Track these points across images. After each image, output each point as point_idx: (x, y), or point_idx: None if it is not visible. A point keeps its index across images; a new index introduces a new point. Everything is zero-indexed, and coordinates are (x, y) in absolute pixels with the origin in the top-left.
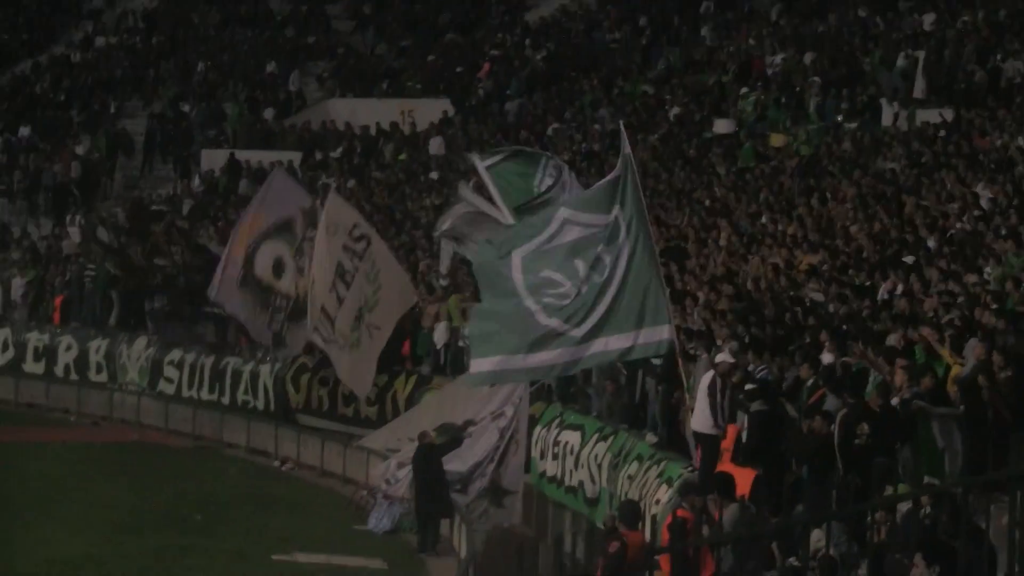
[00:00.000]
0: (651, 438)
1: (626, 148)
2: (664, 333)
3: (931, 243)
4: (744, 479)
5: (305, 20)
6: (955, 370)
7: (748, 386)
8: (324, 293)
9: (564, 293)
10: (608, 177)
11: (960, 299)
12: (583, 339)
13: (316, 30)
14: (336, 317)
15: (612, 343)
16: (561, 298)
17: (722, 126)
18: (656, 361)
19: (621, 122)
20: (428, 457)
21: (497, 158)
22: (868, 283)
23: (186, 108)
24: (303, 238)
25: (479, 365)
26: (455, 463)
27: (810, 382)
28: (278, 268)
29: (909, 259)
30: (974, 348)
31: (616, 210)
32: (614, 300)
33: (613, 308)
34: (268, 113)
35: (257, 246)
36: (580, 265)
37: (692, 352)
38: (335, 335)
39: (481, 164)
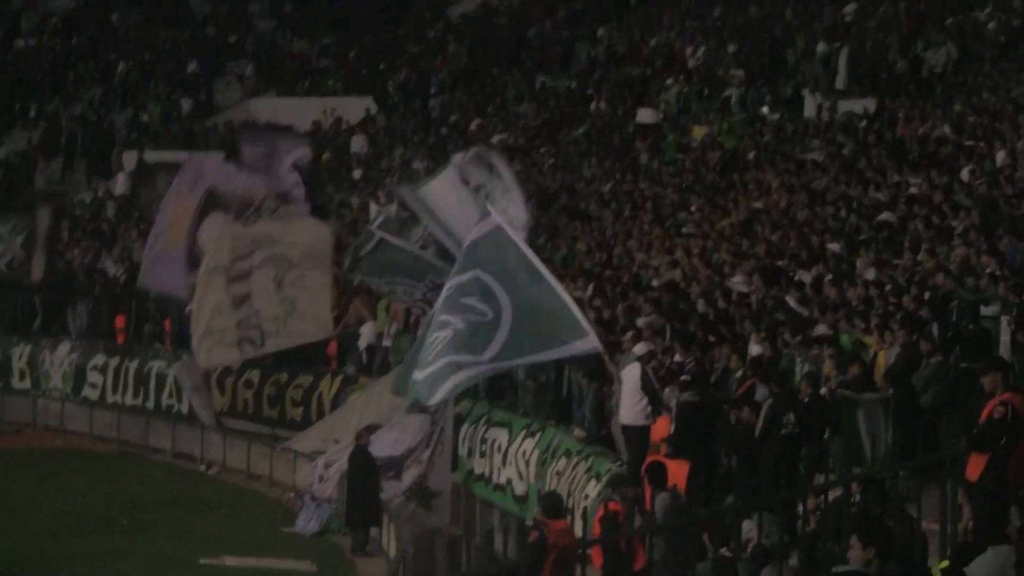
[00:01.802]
0: (579, 433)
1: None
2: (589, 343)
3: (858, 231)
4: (678, 471)
5: (226, 19)
6: (882, 356)
7: (683, 377)
8: (230, 311)
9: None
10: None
11: (887, 287)
12: (493, 358)
13: (237, 29)
14: (259, 311)
15: (528, 359)
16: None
17: (646, 115)
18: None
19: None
20: (363, 460)
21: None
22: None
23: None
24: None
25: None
26: (388, 448)
27: (738, 373)
28: None
29: (835, 247)
30: (899, 335)
31: (479, 273)
32: (512, 329)
33: (515, 334)
34: (186, 104)
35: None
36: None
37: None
38: (269, 326)
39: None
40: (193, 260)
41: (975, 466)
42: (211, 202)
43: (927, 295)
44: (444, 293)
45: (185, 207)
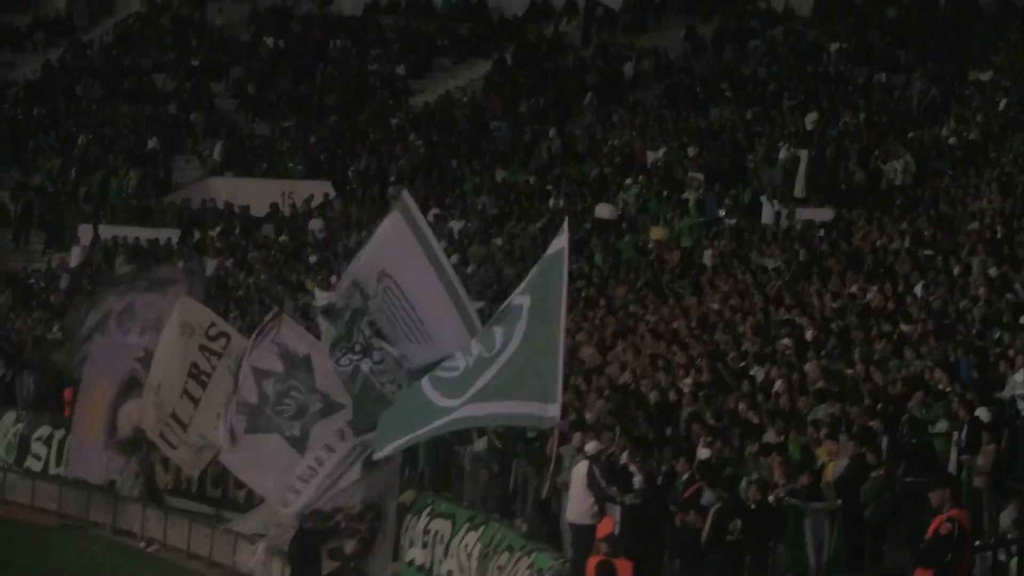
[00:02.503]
0: (522, 526)
1: (560, 243)
2: (550, 411)
3: (809, 337)
4: (622, 570)
5: (189, 97)
6: (830, 467)
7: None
8: (174, 398)
9: (454, 366)
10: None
11: (836, 395)
12: (460, 406)
13: (199, 107)
14: (191, 419)
15: (489, 408)
16: (450, 371)
17: (604, 211)
18: (532, 437)
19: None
20: (305, 545)
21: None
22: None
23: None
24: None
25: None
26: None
27: (685, 476)
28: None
29: (787, 343)
30: (846, 445)
31: (519, 298)
32: (498, 373)
33: (496, 379)
34: (133, 177)
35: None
36: (474, 345)
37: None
38: (188, 437)
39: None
40: (112, 437)
41: None
42: (131, 386)
43: (879, 407)
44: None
45: (102, 392)
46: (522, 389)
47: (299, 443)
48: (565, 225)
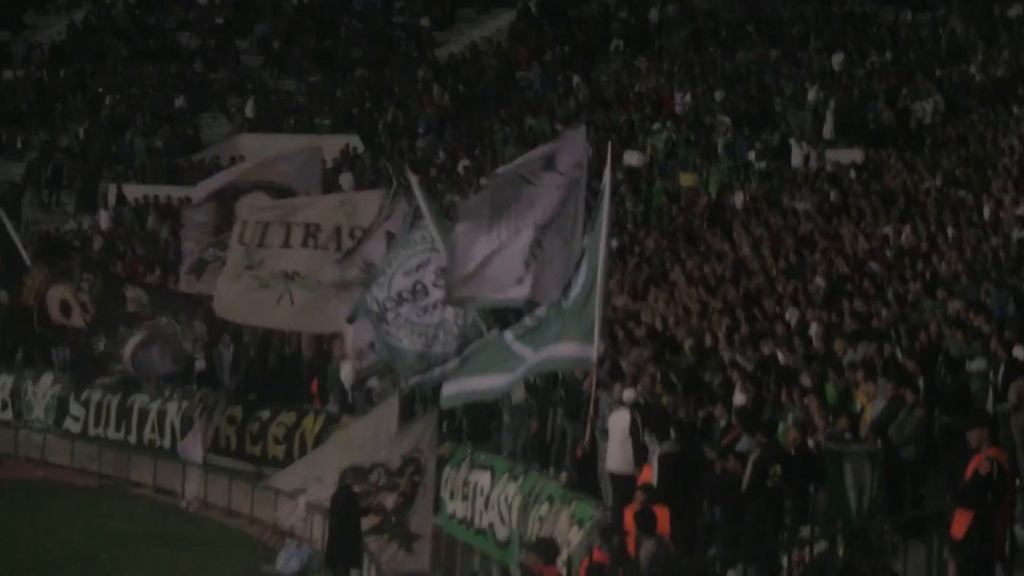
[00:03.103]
0: (562, 477)
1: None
2: (587, 352)
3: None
4: (661, 518)
5: (214, 55)
6: (868, 410)
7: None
8: (279, 221)
9: (538, 316)
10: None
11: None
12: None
13: (225, 65)
14: (270, 247)
15: (544, 354)
16: (535, 320)
17: (632, 158)
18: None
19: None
20: (346, 501)
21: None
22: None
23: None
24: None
25: (449, 388)
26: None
27: (723, 422)
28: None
29: (821, 282)
30: (884, 387)
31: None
32: (566, 317)
33: (565, 323)
34: (163, 134)
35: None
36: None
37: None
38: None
39: None
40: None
41: (960, 523)
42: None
43: (914, 347)
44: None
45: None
46: (567, 332)
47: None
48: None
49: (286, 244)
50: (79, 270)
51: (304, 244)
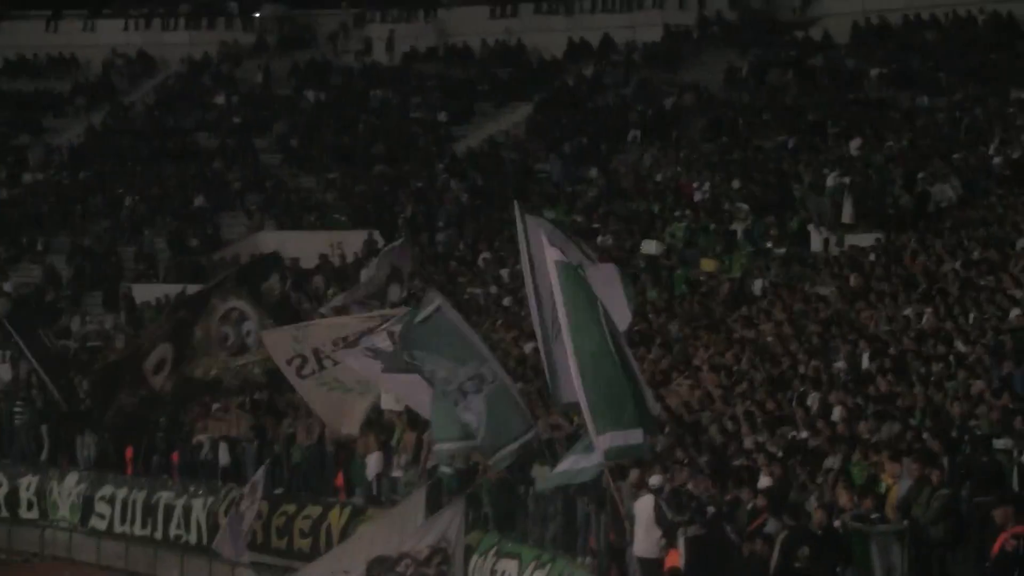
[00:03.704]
0: (589, 563)
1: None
2: (638, 437)
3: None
4: None
5: (233, 154)
6: (894, 490)
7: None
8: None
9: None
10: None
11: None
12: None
13: (244, 164)
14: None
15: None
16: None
17: (651, 247)
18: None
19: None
20: None
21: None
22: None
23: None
24: None
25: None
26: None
27: (750, 505)
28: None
29: (841, 365)
30: (908, 467)
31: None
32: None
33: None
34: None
35: None
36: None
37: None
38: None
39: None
40: None
41: None
42: None
43: (939, 427)
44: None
45: None
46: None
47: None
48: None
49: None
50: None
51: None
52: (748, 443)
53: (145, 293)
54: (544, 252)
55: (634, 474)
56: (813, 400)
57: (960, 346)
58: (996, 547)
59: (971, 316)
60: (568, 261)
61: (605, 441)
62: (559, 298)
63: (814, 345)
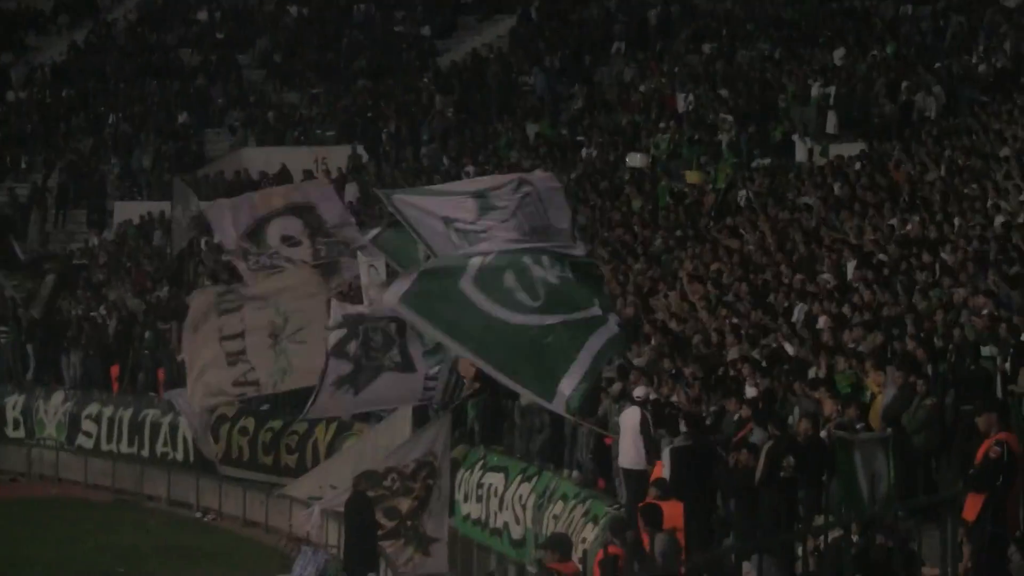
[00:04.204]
0: (575, 476)
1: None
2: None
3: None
4: (673, 512)
5: (216, 70)
6: (879, 399)
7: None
8: (225, 367)
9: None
10: None
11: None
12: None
13: (227, 80)
14: (255, 367)
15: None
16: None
17: (636, 160)
18: None
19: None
20: (360, 506)
21: (377, 230)
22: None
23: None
24: None
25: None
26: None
27: (736, 416)
28: None
29: (828, 277)
30: (893, 375)
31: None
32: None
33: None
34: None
35: None
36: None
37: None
38: (266, 379)
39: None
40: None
41: (972, 507)
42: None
43: (923, 335)
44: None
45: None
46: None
47: (406, 364)
48: None
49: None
50: None
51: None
52: (733, 354)
53: (129, 211)
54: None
55: (617, 386)
56: (799, 311)
57: (944, 255)
58: (980, 454)
59: (956, 224)
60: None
61: (560, 398)
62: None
63: (799, 256)
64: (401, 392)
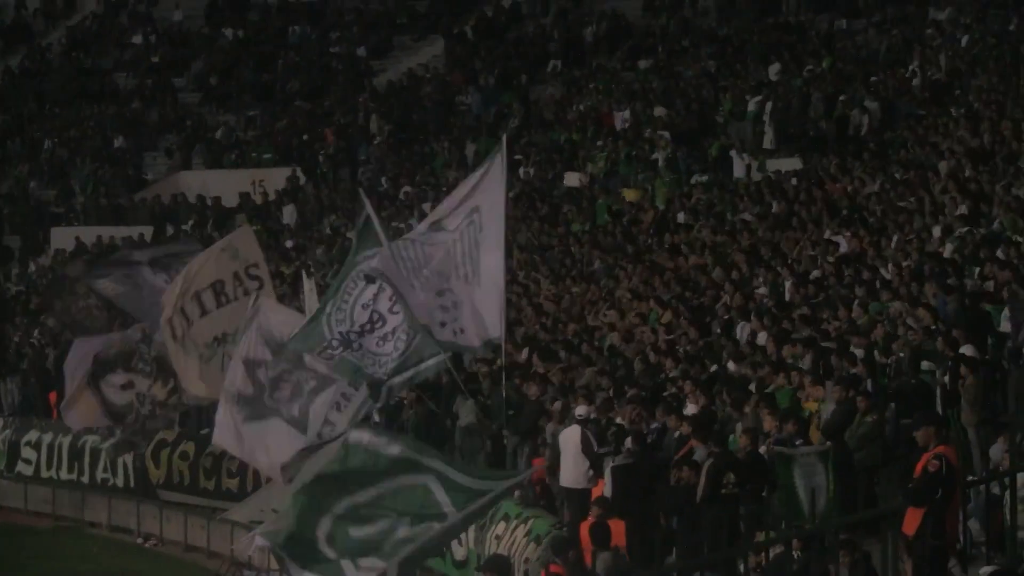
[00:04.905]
0: (517, 496)
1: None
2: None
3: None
4: (616, 530)
5: (152, 94)
6: (818, 412)
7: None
8: (189, 295)
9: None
10: None
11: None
12: None
13: (163, 103)
14: (193, 323)
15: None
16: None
17: (572, 179)
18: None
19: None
20: None
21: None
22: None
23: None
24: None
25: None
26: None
27: (677, 434)
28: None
29: (763, 291)
30: (832, 390)
31: None
32: None
33: None
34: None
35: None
36: None
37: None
38: (188, 337)
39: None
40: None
41: (912, 521)
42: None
43: (863, 350)
44: None
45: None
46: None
47: (300, 423)
48: None
49: (204, 313)
50: None
51: (219, 304)
52: (673, 371)
53: (66, 236)
54: None
55: (558, 405)
56: (741, 329)
57: (882, 270)
58: (919, 468)
59: (893, 239)
60: None
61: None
62: None
63: (741, 273)
64: (281, 445)
